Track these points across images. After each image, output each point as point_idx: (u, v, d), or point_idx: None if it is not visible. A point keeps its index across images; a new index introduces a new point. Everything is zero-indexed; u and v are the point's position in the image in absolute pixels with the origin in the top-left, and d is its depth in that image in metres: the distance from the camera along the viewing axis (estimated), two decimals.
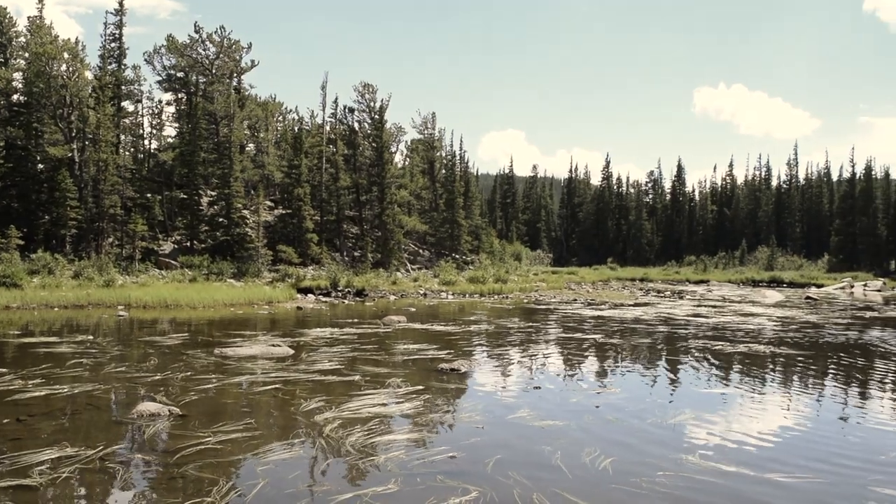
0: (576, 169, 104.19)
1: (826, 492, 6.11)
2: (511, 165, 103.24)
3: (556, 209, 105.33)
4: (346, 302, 29.00)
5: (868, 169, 72.32)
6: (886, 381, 12.16)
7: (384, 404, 9.19)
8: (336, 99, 50.55)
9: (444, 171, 57.07)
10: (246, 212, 40.54)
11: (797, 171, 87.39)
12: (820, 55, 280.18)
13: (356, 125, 49.54)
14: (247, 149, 50.91)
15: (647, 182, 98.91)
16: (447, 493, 5.81)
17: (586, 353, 14.87)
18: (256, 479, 6.12)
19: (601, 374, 12.56)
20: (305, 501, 5.69)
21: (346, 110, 49.28)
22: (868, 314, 26.88)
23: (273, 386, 10.36)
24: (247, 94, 51.34)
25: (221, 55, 46.61)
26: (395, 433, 7.83)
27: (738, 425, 8.53)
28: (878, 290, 49.19)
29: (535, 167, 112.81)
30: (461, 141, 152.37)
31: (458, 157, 63.90)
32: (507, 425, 8.33)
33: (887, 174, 78.49)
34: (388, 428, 8.05)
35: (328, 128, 48.41)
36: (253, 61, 50.25)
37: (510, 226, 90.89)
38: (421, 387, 10.38)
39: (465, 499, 5.69)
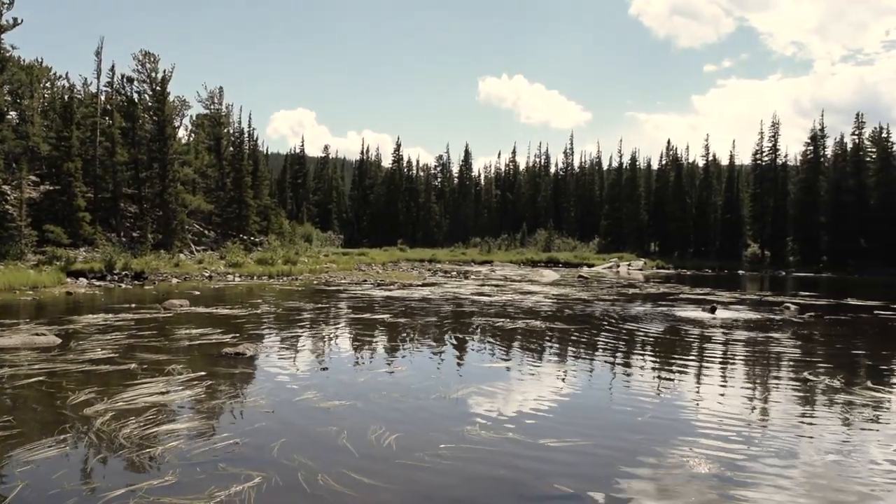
0: (367, 151, 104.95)
1: (593, 453, 6.66)
2: (302, 145, 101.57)
3: (348, 191, 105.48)
4: (124, 286, 27.20)
5: (633, 160, 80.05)
6: (646, 348, 13.49)
7: (163, 393, 8.76)
8: (113, 67, 46.44)
9: (231, 148, 54.88)
10: (6, 188, 36.49)
11: (573, 160, 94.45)
12: (592, 53, 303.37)
13: (136, 96, 46.19)
14: (8, 117, 45.76)
15: (436, 166, 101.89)
16: (229, 481, 5.66)
17: (375, 334, 15.08)
18: (15, 482, 5.60)
19: (389, 353, 12.80)
20: (72, 501, 5.29)
21: (125, 80, 45.76)
22: (630, 291, 29.62)
23: (36, 378, 9.49)
24: (8, 55, 45.93)
25: None
26: (174, 423, 7.49)
27: (516, 396, 9.08)
28: (640, 269, 54.62)
29: (326, 147, 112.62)
30: (250, 118, 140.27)
31: (246, 135, 61.78)
32: (293, 408, 8.26)
33: (649, 165, 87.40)
34: (166, 417, 7.68)
35: (104, 98, 44.73)
36: (16, 19, 45.05)
37: (301, 207, 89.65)
38: (204, 373, 10.00)
39: (248, 485, 5.58)
